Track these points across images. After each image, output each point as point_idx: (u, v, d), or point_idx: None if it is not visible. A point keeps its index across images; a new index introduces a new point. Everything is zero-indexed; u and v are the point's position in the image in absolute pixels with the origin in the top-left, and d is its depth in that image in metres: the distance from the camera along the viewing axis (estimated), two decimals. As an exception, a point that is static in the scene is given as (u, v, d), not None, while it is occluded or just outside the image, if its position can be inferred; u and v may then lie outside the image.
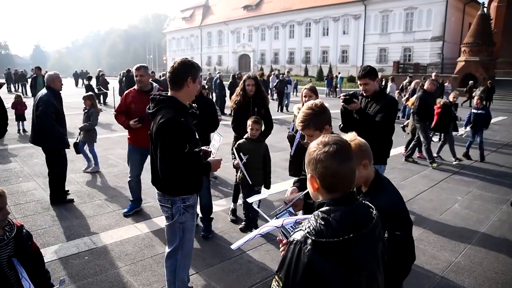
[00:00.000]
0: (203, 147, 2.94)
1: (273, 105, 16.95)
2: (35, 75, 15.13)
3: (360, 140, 1.91)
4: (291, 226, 1.61)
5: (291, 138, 4.71)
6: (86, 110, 7.27)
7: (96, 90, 17.10)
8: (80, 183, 6.28)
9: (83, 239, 4.32)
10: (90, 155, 7.20)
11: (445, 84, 23.52)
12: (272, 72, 25.09)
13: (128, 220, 4.89)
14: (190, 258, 3.03)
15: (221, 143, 3.33)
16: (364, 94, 4.03)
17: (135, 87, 4.88)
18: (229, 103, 6.54)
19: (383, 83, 23.62)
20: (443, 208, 5.56)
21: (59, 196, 5.47)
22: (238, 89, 5.00)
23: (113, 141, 9.77)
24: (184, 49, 71.90)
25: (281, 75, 19.16)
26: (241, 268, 3.77)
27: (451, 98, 9.32)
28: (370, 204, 1.45)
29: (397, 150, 9.43)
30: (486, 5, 33.17)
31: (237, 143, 4.59)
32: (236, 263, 3.86)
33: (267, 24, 55.27)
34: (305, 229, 1.30)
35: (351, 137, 1.93)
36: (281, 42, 53.87)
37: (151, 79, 5.08)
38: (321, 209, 1.34)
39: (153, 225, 4.74)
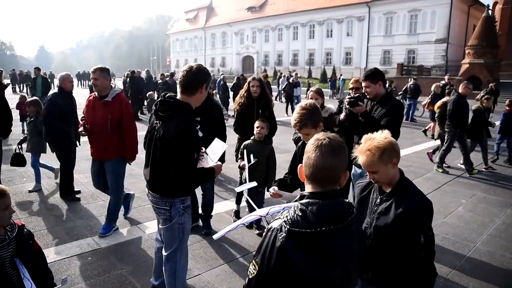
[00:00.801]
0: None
1: (282, 107, 17.01)
2: (34, 75, 14.96)
3: (392, 139, 1.95)
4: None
5: (296, 141, 4.71)
6: (32, 118, 6.03)
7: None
8: (84, 184, 6.29)
9: (86, 239, 4.34)
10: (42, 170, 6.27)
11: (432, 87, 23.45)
12: (282, 74, 24.66)
13: (131, 221, 4.90)
14: (187, 258, 3.08)
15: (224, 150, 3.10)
16: (367, 97, 3.98)
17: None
18: (232, 104, 6.52)
19: (387, 85, 23.65)
20: (447, 211, 5.53)
21: (66, 192, 5.65)
22: (242, 91, 5.00)
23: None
24: (188, 50, 72.09)
25: (291, 78, 18.99)
26: (244, 270, 3.76)
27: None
28: (352, 203, 1.52)
29: (401, 152, 9.41)
30: (490, 7, 33.02)
31: (244, 143, 4.55)
32: (239, 265, 3.85)
33: (270, 25, 55.31)
34: (283, 218, 1.38)
35: (385, 135, 1.96)
36: (285, 43, 53.91)
37: (110, 82, 4.33)
38: (301, 201, 1.42)
39: (156, 226, 4.73)
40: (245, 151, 4.20)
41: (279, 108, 16.52)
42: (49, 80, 15.34)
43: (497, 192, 6.48)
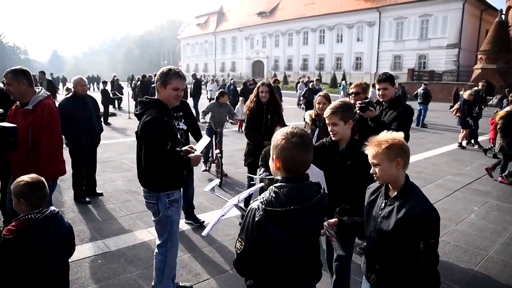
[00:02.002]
0: (185, 147, 3.09)
1: (300, 114, 16.93)
2: (40, 79, 14.43)
3: (400, 140, 1.99)
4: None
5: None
6: None
7: (111, 95, 17.30)
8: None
9: (96, 242, 4.37)
10: None
11: (460, 92, 23.19)
12: (300, 79, 24.22)
13: (141, 224, 4.92)
14: (177, 246, 3.28)
15: (206, 144, 3.43)
16: (381, 100, 3.99)
17: None
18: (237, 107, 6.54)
19: (398, 90, 23.46)
20: (459, 218, 5.46)
21: (77, 195, 5.76)
22: (252, 96, 5.00)
23: (128, 146, 9.87)
24: (198, 55, 72.54)
25: (310, 83, 18.76)
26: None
27: None
28: (321, 184, 1.80)
29: (411, 159, 9.32)
30: (504, 12, 32.63)
31: (264, 150, 4.35)
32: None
33: (281, 30, 55.44)
34: (260, 199, 1.67)
35: (400, 135, 2.02)
36: (295, 48, 53.96)
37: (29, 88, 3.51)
38: (275, 185, 1.71)
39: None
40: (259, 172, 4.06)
41: (297, 114, 16.50)
42: (54, 83, 15.24)
43: (510, 200, 6.37)
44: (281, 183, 1.71)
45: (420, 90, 16.42)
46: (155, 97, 2.95)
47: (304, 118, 4.76)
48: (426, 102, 16.01)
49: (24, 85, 3.46)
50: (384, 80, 3.88)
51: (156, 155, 2.71)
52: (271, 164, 1.82)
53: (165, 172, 2.85)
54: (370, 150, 2.01)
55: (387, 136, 1.99)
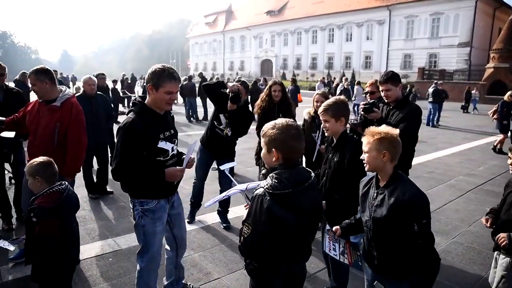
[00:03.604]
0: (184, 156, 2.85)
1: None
2: None
3: (398, 138, 2.16)
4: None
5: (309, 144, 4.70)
6: None
7: (121, 94, 17.41)
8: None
9: (107, 240, 4.39)
10: None
11: (472, 92, 22.95)
12: (319, 79, 23.39)
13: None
14: (156, 265, 2.93)
15: (195, 148, 3.11)
16: (386, 101, 3.88)
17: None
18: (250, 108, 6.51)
19: (408, 90, 23.27)
20: (471, 219, 5.39)
21: (88, 189, 5.92)
22: (263, 94, 5.00)
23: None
24: (207, 53, 72.67)
25: (345, 83, 17.96)
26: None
27: None
28: (310, 170, 2.03)
29: (422, 159, 9.25)
30: (517, 10, 32.20)
31: None
32: (258, 270, 3.83)
33: (289, 29, 55.30)
34: (264, 186, 1.85)
35: (396, 131, 2.19)
36: (304, 47, 53.78)
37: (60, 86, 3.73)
38: (274, 172, 1.92)
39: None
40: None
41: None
42: (63, 82, 15.14)
43: (524, 201, 6.26)
44: (280, 170, 1.91)
45: (430, 89, 16.25)
46: (142, 100, 2.70)
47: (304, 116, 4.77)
48: (436, 102, 15.80)
49: (47, 84, 3.54)
50: (386, 81, 3.75)
51: (122, 161, 2.54)
52: (267, 156, 1.98)
53: (130, 182, 2.68)
54: (364, 138, 2.21)
55: (382, 129, 2.18)
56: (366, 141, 2.19)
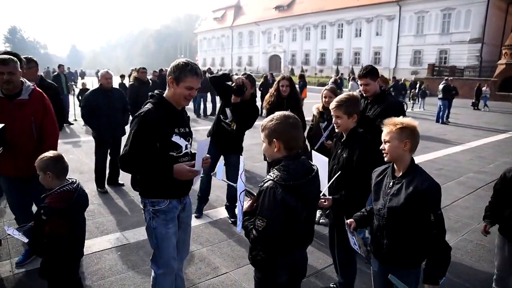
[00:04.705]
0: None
1: None
2: (57, 72, 14.17)
3: (413, 126, 2.20)
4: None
5: (311, 138, 4.69)
6: None
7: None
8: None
9: (115, 234, 4.43)
10: None
11: (483, 89, 22.70)
12: (334, 76, 21.97)
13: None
14: (172, 270, 2.75)
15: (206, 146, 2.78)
16: (364, 95, 3.88)
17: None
18: (259, 102, 6.51)
19: (417, 86, 23.09)
20: (481, 216, 5.31)
21: (97, 184, 6.00)
22: (272, 90, 5.00)
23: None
24: (215, 49, 72.70)
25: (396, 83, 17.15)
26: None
27: None
28: (312, 163, 2.13)
29: (431, 155, 9.19)
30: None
31: None
32: (266, 265, 3.84)
33: (298, 24, 55.07)
34: (274, 178, 1.90)
35: (412, 122, 2.22)
36: (312, 43, 53.55)
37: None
38: (281, 164, 1.97)
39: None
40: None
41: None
42: (67, 77, 14.68)
43: (535, 199, 6.20)
44: (286, 162, 1.97)
45: (440, 86, 16.08)
46: (161, 93, 2.65)
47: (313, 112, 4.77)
48: (446, 98, 15.63)
49: (20, 74, 3.33)
50: (365, 76, 3.74)
51: (131, 150, 2.45)
52: (268, 149, 2.05)
53: (136, 170, 2.55)
54: (385, 128, 2.25)
55: (403, 119, 2.23)
56: (388, 131, 2.22)
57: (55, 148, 3.41)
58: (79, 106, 10.35)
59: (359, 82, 3.93)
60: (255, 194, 2.07)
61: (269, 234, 1.90)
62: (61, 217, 2.52)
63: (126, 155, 2.48)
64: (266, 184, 1.93)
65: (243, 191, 2.10)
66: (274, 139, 1.99)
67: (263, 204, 1.91)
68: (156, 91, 2.70)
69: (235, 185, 2.18)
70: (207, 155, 2.73)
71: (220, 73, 4.89)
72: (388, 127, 2.23)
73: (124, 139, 3.03)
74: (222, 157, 2.72)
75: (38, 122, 3.43)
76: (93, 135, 6.03)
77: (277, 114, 2.04)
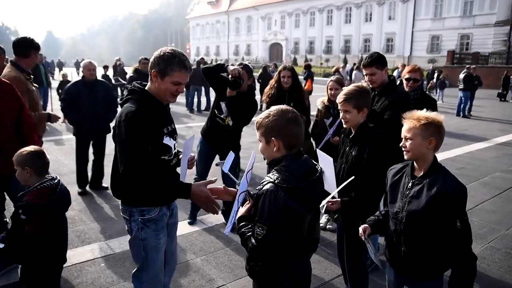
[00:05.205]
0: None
1: None
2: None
3: (440, 121, 2.16)
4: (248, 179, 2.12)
5: (316, 135, 4.69)
6: None
7: (113, 81, 17.46)
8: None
9: (99, 243, 4.41)
10: None
11: (511, 77, 22.64)
12: (342, 66, 21.96)
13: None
14: (159, 285, 2.75)
15: (192, 142, 2.85)
16: (371, 86, 3.76)
17: None
18: (258, 96, 6.48)
19: (435, 75, 23.05)
20: (511, 221, 5.32)
21: (80, 183, 6.04)
22: (272, 81, 4.98)
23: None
24: (209, 36, 72.71)
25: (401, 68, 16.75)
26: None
27: None
28: (315, 162, 2.11)
29: (451, 153, 9.17)
30: None
31: None
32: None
33: (301, 9, 55.05)
34: (274, 180, 1.87)
35: (439, 116, 2.18)
36: (318, 29, 53.54)
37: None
38: (281, 164, 1.94)
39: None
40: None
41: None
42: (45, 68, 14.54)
43: None
44: (287, 161, 1.95)
45: (461, 75, 16.04)
46: (143, 86, 2.53)
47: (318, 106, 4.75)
48: (468, 89, 15.58)
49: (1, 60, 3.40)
50: (370, 64, 3.65)
51: (134, 158, 2.31)
52: (267, 149, 2.02)
53: (147, 181, 2.34)
54: (407, 123, 2.20)
55: (428, 114, 2.17)
56: (410, 126, 2.17)
57: (36, 142, 3.46)
58: (59, 100, 10.30)
59: (364, 72, 3.84)
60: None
61: (270, 243, 1.85)
62: (43, 214, 2.55)
63: (130, 166, 2.32)
64: (265, 187, 1.89)
65: (244, 191, 2.08)
66: (272, 137, 1.96)
67: (262, 209, 1.87)
68: (135, 84, 2.56)
69: (238, 181, 2.18)
70: (192, 154, 2.71)
71: (214, 63, 4.85)
72: (411, 122, 2.17)
73: (109, 137, 2.99)
74: (231, 152, 2.62)
75: (14, 116, 3.45)
76: (73, 132, 6.02)
77: (274, 109, 2.00)
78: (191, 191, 2.33)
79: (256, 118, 2.07)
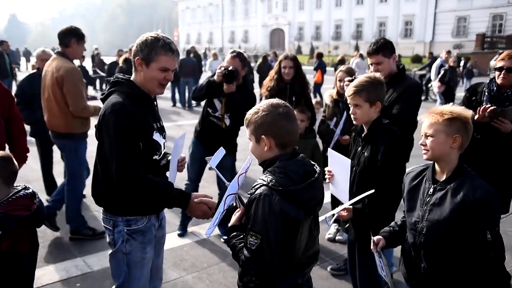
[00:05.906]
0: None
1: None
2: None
3: (466, 117, 2.13)
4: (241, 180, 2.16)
5: (323, 133, 4.72)
6: None
7: (91, 73, 17.49)
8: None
9: (74, 260, 4.40)
10: None
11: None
12: (342, 55, 21.30)
13: (130, 237, 4.95)
14: None
15: (183, 142, 2.88)
16: None
17: None
18: (258, 89, 6.48)
19: (461, 63, 23.01)
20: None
21: (48, 190, 5.98)
22: (272, 72, 4.98)
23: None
24: (201, 21, 72.87)
25: (450, 59, 14.70)
26: None
27: None
28: (314, 162, 2.11)
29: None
30: None
31: None
32: None
33: (307, -12, 55.14)
34: (268, 182, 1.87)
35: (465, 112, 2.15)
36: (325, 12, 53.68)
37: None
38: (275, 165, 1.96)
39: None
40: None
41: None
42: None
43: None
44: (282, 162, 1.97)
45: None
46: (128, 78, 2.56)
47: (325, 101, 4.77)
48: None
49: None
50: (376, 51, 3.66)
51: (127, 157, 2.35)
52: (257, 148, 2.04)
53: (143, 183, 2.39)
54: (428, 119, 2.18)
55: (453, 108, 2.15)
56: (432, 121, 2.15)
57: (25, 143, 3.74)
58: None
59: (369, 61, 3.85)
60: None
61: (265, 253, 1.84)
62: (23, 227, 2.52)
63: (124, 163, 2.34)
64: (258, 191, 1.89)
65: (234, 193, 2.11)
66: (262, 135, 1.98)
67: (255, 216, 1.87)
68: (118, 75, 2.59)
69: (227, 183, 2.18)
70: (183, 155, 2.73)
71: (204, 83, 4.70)
72: (433, 117, 2.14)
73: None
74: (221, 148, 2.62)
75: (5, 113, 3.58)
76: (29, 133, 5.84)
77: (263, 103, 2.02)
78: (190, 203, 2.42)
79: (246, 115, 2.07)
